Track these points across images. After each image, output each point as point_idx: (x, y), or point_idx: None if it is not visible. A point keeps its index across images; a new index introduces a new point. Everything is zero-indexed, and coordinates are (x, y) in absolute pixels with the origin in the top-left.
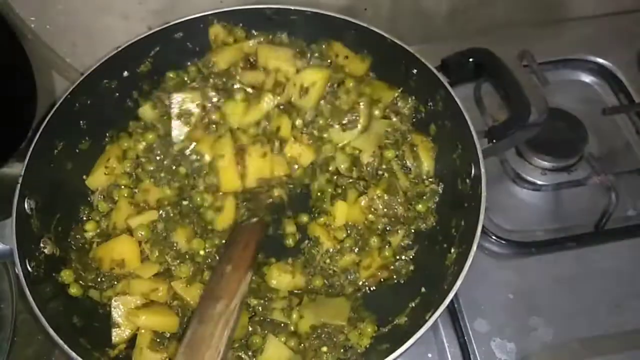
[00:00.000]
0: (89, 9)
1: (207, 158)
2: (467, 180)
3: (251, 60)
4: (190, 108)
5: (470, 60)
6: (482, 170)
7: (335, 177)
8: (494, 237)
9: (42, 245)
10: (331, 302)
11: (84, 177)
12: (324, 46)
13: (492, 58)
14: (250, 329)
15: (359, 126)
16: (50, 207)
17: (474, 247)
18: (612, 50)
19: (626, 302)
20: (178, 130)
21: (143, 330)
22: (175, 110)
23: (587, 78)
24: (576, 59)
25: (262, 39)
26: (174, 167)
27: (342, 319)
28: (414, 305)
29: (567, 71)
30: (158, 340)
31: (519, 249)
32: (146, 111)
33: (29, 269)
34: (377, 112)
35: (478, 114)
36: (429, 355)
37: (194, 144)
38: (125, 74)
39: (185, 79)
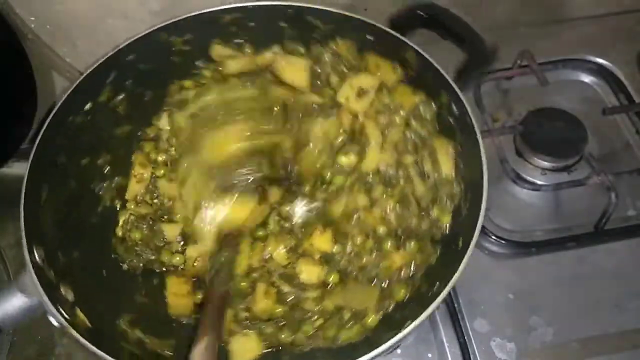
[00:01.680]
0: (90, 9)
1: None
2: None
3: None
4: None
5: (418, 13)
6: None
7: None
8: (493, 237)
9: (62, 292)
10: (360, 290)
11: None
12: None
13: (437, 8)
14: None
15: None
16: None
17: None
18: (612, 50)
19: (626, 302)
20: None
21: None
22: None
23: (587, 78)
24: (576, 59)
25: (278, 50)
26: None
27: (370, 305)
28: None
29: (567, 71)
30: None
31: (519, 249)
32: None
33: (55, 324)
34: (397, 120)
35: (478, 114)
36: (429, 355)
37: None
38: (88, 106)
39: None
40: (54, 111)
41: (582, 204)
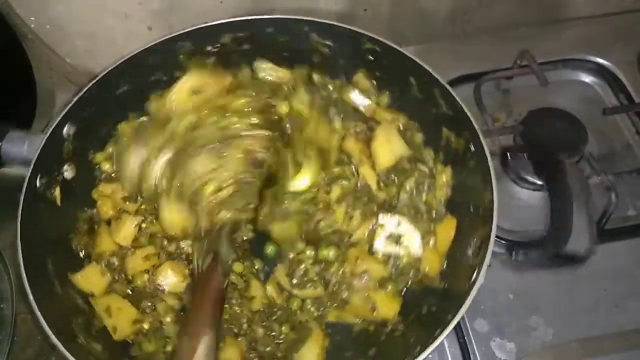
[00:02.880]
0: (90, 9)
1: None
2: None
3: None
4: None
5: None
6: (483, 271)
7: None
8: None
9: (64, 168)
10: None
11: None
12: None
13: (557, 167)
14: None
15: None
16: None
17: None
18: (612, 50)
19: (626, 302)
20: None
21: None
22: None
23: (587, 78)
24: (576, 59)
25: (399, 118)
26: None
27: None
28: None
29: (567, 71)
30: None
31: (519, 248)
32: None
33: (37, 184)
34: None
35: (477, 114)
36: (429, 355)
37: None
38: (209, 48)
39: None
40: (171, 35)
41: None
